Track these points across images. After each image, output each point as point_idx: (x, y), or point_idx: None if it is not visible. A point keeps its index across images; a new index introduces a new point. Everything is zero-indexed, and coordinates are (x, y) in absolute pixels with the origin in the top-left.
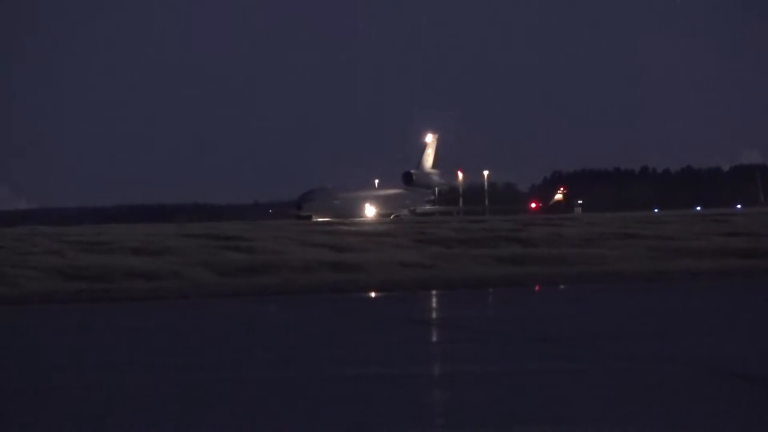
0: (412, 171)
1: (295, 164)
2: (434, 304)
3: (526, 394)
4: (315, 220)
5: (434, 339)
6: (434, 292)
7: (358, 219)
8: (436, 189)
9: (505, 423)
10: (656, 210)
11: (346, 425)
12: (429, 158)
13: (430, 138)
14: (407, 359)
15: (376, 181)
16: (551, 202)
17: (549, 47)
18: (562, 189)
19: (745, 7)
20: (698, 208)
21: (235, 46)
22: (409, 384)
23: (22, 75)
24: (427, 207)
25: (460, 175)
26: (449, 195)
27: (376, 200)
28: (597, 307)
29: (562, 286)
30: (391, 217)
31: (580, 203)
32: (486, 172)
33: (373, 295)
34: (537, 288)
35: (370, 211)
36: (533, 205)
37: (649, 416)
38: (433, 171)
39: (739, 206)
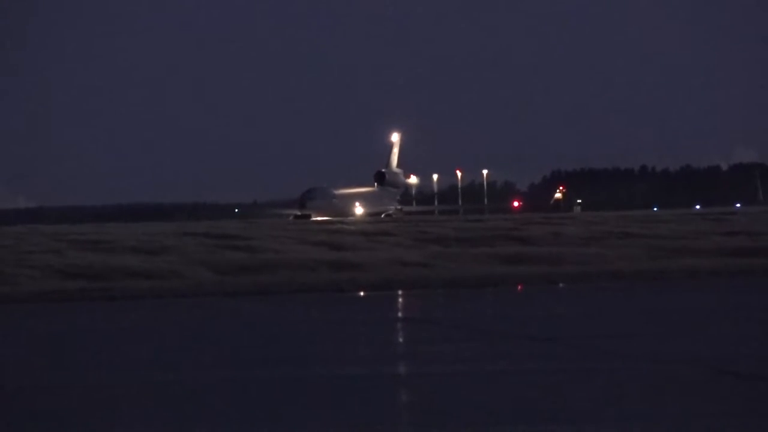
0: (384, 170)
1: (293, 164)
2: (434, 303)
3: (525, 394)
4: (313, 218)
5: (433, 338)
6: (434, 290)
7: (348, 218)
8: (402, 188)
9: (504, 423)
10: (656, 209)
11: (344, 425)
12: (395, 157)
13: (395, 137)
14: (406, 359)
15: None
16: (552, 201)
17: (548, 47)
18: (561, 188)
19: (745, 5)
20: (697, 206)
21: (234, 46)
22: (408, 384)
23: (21, 73)
24: (397, 206)
25: (459, 174)
26: (449, 194)
27: (370, 199)
28: (596, 306)
29: (561, 285)
30: (382, 216)
31: (579, 202)
32: (485, 171)
33: (372, 294)
34: (519, 287)
35: (359, 210)
36: (516, 204)
37: (648, 416)
38: (398, 170)
39: (738, 205)
